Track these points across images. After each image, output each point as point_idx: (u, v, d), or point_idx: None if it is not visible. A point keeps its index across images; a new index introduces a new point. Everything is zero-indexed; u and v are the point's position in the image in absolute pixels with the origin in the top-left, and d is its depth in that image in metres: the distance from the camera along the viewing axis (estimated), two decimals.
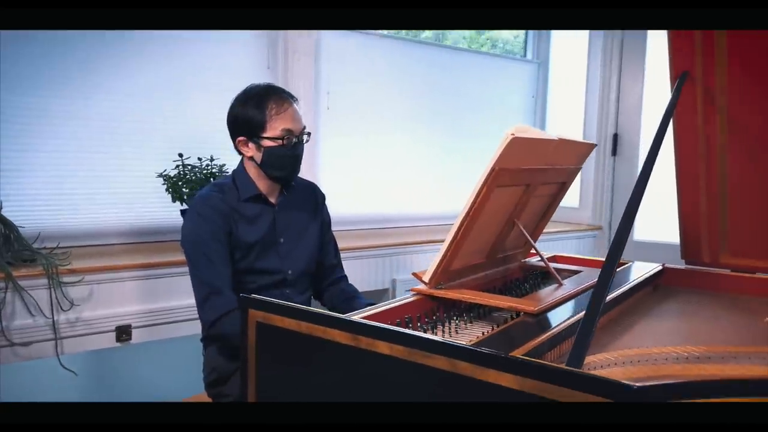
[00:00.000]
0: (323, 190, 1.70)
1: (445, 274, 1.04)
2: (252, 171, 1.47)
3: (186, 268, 1.96)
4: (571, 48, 3.44)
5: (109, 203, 2.18)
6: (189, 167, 2.16)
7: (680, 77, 1.10)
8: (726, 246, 1.27)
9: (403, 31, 3.63)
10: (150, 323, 1.95)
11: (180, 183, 2.14)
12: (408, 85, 2.98)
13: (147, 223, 2.28)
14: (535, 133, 1.01)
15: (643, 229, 2.90)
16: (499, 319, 1.04)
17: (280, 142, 1.40)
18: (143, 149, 2.24)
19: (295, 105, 1.45)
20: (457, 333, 1.00)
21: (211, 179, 2.16)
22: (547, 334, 0.91)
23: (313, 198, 1.61)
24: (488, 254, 1.17)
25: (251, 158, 1.44)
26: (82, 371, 1.88)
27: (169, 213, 2.26)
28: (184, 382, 2.03)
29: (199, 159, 2.19)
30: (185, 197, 2.14)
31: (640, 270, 1.37)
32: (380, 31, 2.97)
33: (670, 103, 1.07)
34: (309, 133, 1.50)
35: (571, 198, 3.42)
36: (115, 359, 2.26)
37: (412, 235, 2.75)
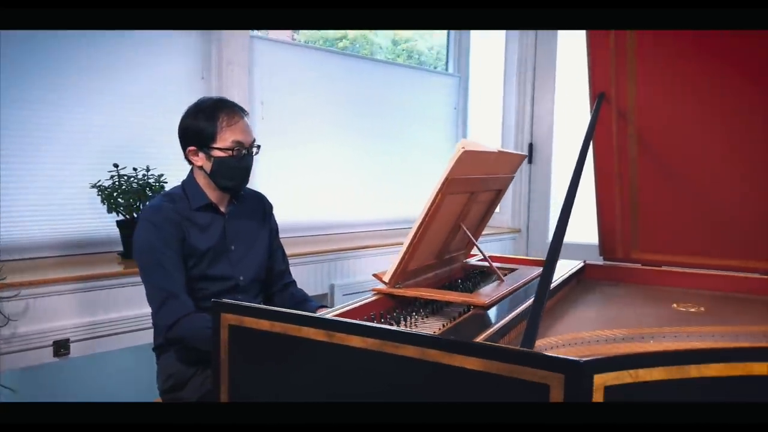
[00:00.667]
0: None
1: (403, 274, 1.14)
2: (202, 180, 1.50)
3: (125, 279, 1.95)
4: (488, 63, 3.67)
5: (42, 216, 2.12)
6: (125, 177, 2.14)
7: (598, 97, 1.26)
8: (637, 244, 1.46)
9: (335, 45, 3.73)
10: (89, 336, 1.91)
11: (115, 194, 2.11)
12: (339, 97, 3.07)
13: (81, 235, 2.23)
14: (479, 146, 1.13)
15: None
16: (453, 314, 1.15)
17: (230, 153, 1.44)
18: (77, 160, 2.19)
19: (245, 118, 1.50)
20: (416, 327, 1.10)
21: (148, 189, 2.15)
22: (500, 323, 1.03)
23: (261, 207, 1.66)
24: (437, 255, 1.28)
25: (201, 168, 1.47)
26: (21, 388, 1.82)
27: (105, 224, 2.22)
28: (129, 392, 2.00)
29: (134, 169, 2.17)
30: (121, 208, 2.12)
31: (565, 267, 1.53)
32: (311, 44, 3.04)
33: (591, 120, 1.23)
34: (259, 146, 1.55)
35: None
36: (54, 374, 2.19)
37: (347, 241, 2.84)
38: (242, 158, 1.46)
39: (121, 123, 2.31)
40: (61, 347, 1.86)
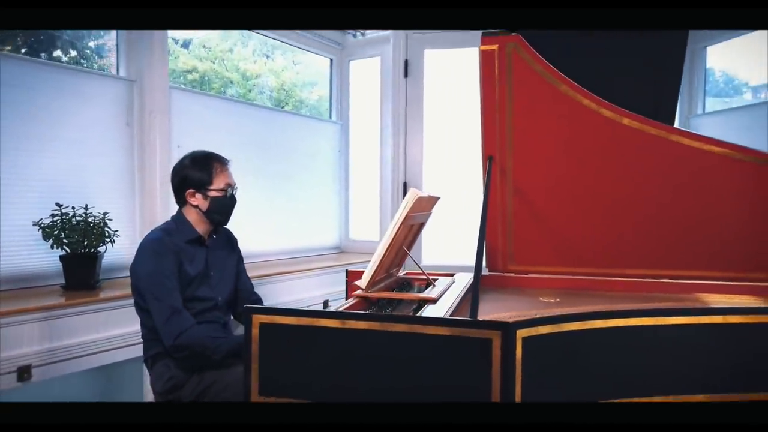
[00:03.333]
0: None
1: (373, 283, 1.60)
2: (193, 217, 1.84)
3: (73, 309, 2.14)
4: (365, 112, 4.25)
5: None
6: (66, 216, 2.32)
7: (489, 159, 1.86)
8: (512, 260, 2.07)
9: (242, 95, 4.08)
10: (49, 362, 2.08)
11: (56, 231, 2.29)
12: (245, 142, 3.44)
13: (26, 269, 2.36)
14: (421, 192, 1.65)
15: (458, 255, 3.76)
16: (409, 308, 1.63)
17: (223, 193, 1.81)
18: (14, 200, 2.33)
19: (229, 165, 1.88)
20: None
21: (91, 225, 2.35)
22: (449, 310, 1.54)
23: (229, 239, 2.02)
24: (386, 270, 1.76)
25: (196, 206, 1.81)
26: None
27: (48, 259, 2.38)
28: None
29: (73, 208, 2.36)
30: (65, 244, 2.30)
31: (465, 277, 2.11)
32: (222, 94, 3.37)
33: (486, 178, 1.81)
34: (237, 187, 1.93)
35: (372, 233, 4.21)
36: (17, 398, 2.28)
37: (255, 270, 3.18)
38: (231, 196, 1.84)
39: (60, 166, 2.48)
40: (24, 372, 2.01)
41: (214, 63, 6.17)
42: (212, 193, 1.82)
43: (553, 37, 1.89)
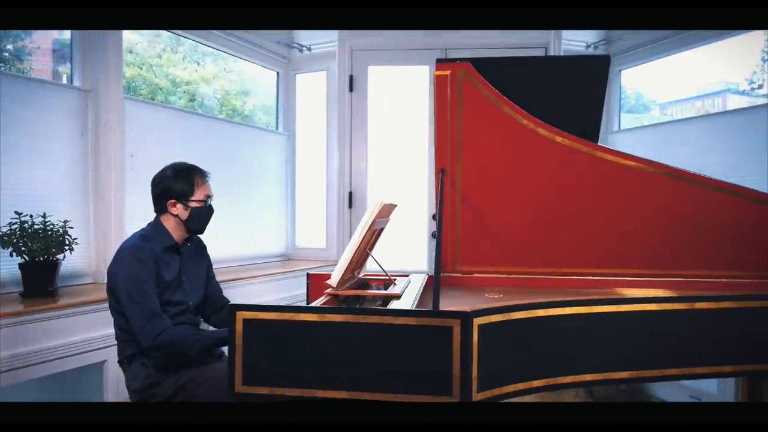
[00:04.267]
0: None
1: (343, 282, 1.77)
2: (170, 225, 1.94)
3: (35, 316, 2.19)
4: (312, 124, 4.41)
5: None
6: (26, 224, 2.35)
7: (441, 171, 2.08)
8: (459, 261, 2.29)
9: (196, 107, 4.12)
10: (8, 368, 2.11)
11: (15, 239, 2.31)
12: (196, 151, 3.50)
13: None
14: (383, 202, 1.83)
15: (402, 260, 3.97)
16: (375, 303, 1.81)
17: (203, 203, 1.93)
18: None
19: (208, 178, 1.99)
20: None
21: (50, 233, 2.38)
22: (413, 304, 1.73)
23: (200, 247, 2.12)
24: (352, 271, 1.93)
25: (177, 216, 1.91)
26: None
27: (6, 267, 2.38)
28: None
29: (30, 216, 2.39)
30: (24, 252, 2.32)
31: (418, 278, 2.31)
32: (175, 105, 3.43)
33: (440, 190, 2.03)
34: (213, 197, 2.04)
35: (319, 241, 4.36)
36: None
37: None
38: (210, 207, 1.95)
39: (15, 174, 2.49)
40: None
41: (141, 69, 6.11)
42: (193, 204, 1.94)
43: (499, 65, 2.13)
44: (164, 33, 5.69)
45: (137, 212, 3.03)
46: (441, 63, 1.98)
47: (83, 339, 2.43)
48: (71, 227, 2.46)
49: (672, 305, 1.80)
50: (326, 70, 4.30)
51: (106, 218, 2.86)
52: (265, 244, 4.19)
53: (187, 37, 3.71)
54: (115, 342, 2.48)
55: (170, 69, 6.62)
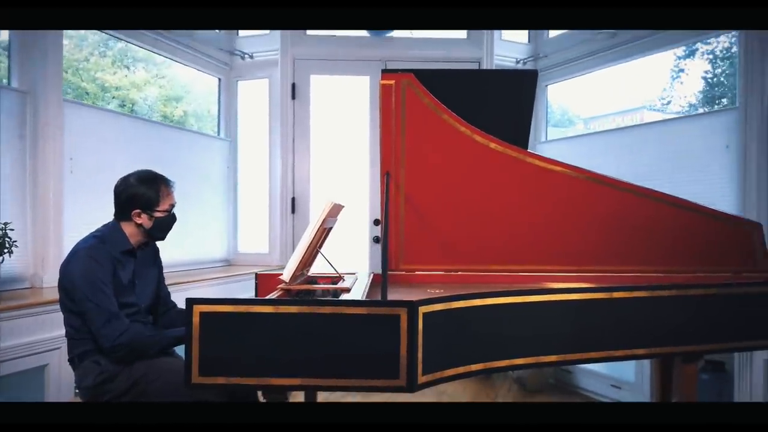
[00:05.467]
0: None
1: (295, 277, 1.86)
2: (129, 231, 1.97)
3: None
4: (254, 130, 4.46)
5: None
6: None
7: (386, 175, 2.21)
8: (403, 259, 2.43)
9: (135, 110, 4.08)
10: None
11: None
12: (137, 155, 3.49)
13: None
14: (333, 202, 1.94)
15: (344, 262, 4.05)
16: (326, 296, 1.91)
17: (167, 213, 1.97)
18: None
19: (173, 187, 2.03)
20: None
21: None
22: (363, 296, 1.85)
23: (153, 251, 2.16)
24: (303, 268, 2.02)
25: (140, 225, 1.94)
26: None
27: None
28: None
29: None
30: None
31: (365, 275, 2.43)
32: (115, 108, 3.40)
33: (386, 190, 2.16)
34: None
35: (262, 246, 4.40)
36: None
37: None
38: (173, 216, 2.00)
39: None
40: None
41: (66, 72, 5.95)
42: (158, 214, 1.97)
43: (438, 77, 2.30)
44: (91, 36, 5.56)
45: (76, 216, 3.00)
46: (386, 73, 2.12)
47: (23, 343, 2.40)
48: (12, 229, 2.42)
49: (593, 295, 2.01)
50: (269, 77, 4.37)
51: (44, 222, 2.82)
52: (206, 249, 4.19)
53: (127, 41, 3.69)
54: (56, 346, 2.48)
55: (98, 73, 6.44)
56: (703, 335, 2.13)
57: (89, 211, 3.07)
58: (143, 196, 1.97)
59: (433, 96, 2.14)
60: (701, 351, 2.17)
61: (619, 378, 3.67)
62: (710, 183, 3.33)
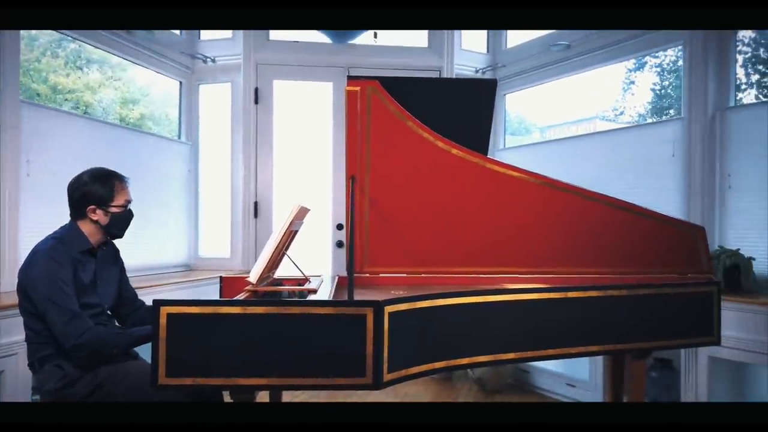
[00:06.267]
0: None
1: (261, 279, 1.89)
2: (87, 230, 1.95)
3: None
4: (216, 134, 4.43)
5: None
6: None
7: (351, 179, 2.26)
8: (367, 262, 2.48)
9: (89, 113, 4.00)
10: None
11: None
12: (97, 159, 3.42)
13: None
14: (300, 205, 1.98)
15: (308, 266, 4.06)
16: (292, 297, 1.94)
17: (123, 209, 1.96)
18: None
19: (127, 183, 2.02)
20: None
21: None
22: (329, 296, 1.88)
23: (114, 251, 2.14)
24: (269, 270, 2.05)
25: (96, 221, 1.93)
26: None
27: None
28: None
29: None
30: None
31: (328, 277, 2.46)
32: (75, 111, 3.34)
33: (351, 194, 2.20)
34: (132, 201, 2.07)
35: (223, 251, 4.37)
36: None
37: None
38: (129, 211, 1.99)
39: None
40: None
41: None
42: (113, 210, 1.96)
43: (402, 84, 2.37)
44: (43, 36, 5.42)
45: (33, 219, 2.94)
46: (352, 80, 2.18)
47: None
48: None
49: (549, 295, 2.10)
50: (231, 81, 4.36)
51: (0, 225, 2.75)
52: (166, 253, 4.14)
53: (82, 41, 3.63)
54: (12, 353, 2.42)
55: (50, 74, 6.26)
56: (651, 333, 2.25)
57: (45, 214, 3.00)
58: (96, 192, 1.96)
59: (397, 102, 2.21)
60: (650, 347, 2.29)
61: (573, 377, 3.81)
62: (658, 189, 3.51)
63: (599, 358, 3.44)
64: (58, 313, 1.80)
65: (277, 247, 1.90)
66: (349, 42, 4.38)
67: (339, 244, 4.30)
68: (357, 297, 2.02)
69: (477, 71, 4.57)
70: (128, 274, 2.14)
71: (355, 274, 2.47)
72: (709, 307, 2.33)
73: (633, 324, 2.21)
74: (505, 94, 4.66)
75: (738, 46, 3.36)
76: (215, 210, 4.41)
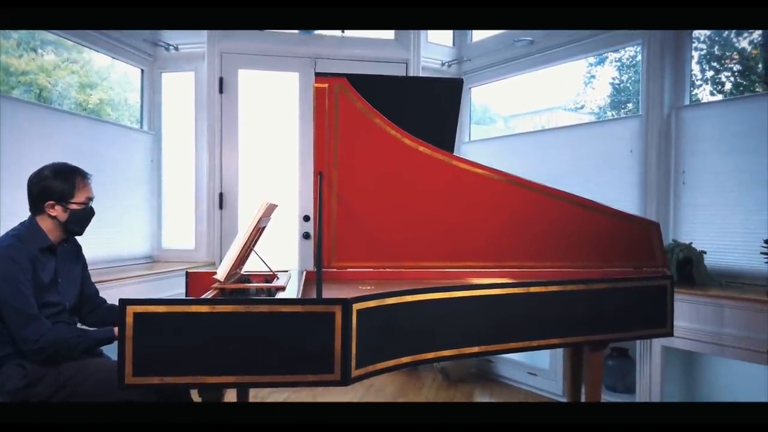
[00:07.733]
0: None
1: (229, 276, 1.88)
2: (47, 226, 1.91)
3: None
4: (179, 123, 4.36)
5: None
6: None
7: (319, 175, 2.26)
8: (335, 257, 2.49)
9: (44, 97, 3.89)
10: None
11: None
12: (65, 152, 3.32)
13: None
14: (268, 201, 1.98)
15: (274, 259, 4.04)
16: (260, 295, 1.95)
17: (83, 206, 1.92)
18: None
19: (90, 179, 1.98)
20: None
21: None
22: (298, 294, 1.90)
23: (76, 248, 2.10)
24: (237, 265, 2.04)
25: (55, 217, 1.89)
26: None
27: None
28: None
29: None
30: None
31: (296, 272, 2.47)
32: (21, 95, 3.23)
33: (319, 190, 2.21)
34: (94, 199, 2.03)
35: (188, 242, 4.32)
36: None
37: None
38: (90, 209, 1.95)
39: None
40: None
41: None
42: (73, 206, 1.92)
43: (370, 82, 2.38)
44: None
45: (11, 214, 2.84)
46: (320, 77, 2.18)
47: None
48: None
49: (511, 290, 2.16)
50: (195, 70, 4.28)
51: None
52: (128, 245, 4.07)
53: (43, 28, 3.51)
54: None
55: (2, 56, 6.04)
56: (608, 325, 2.34)
57: (23, 210, 2.92)
58: (57, 187, 1.92)
59: (364, 100, 2.22)
60: (607, 339, 2.39)
61: (535, 366, 3.92)
62: (616, 185, 3.63)
63: (559, 349, 3.56)
64: (16, 317, 1.76)
65: (245, 245, 1.90)
66: (316, 32, 4.35)
67: (306, 236, 4.30)
68: (325, 292, 2.04)
69: (443, 64, 4.60)
70: (90, 267, 2.10)
71: (323, 269, 2.49)
72: (662, 300, 2.43)
73: (591, 317, 2.29)
74: (470, 87, 4.72)
75: (694, 43, 3.48)
76: (179, 201, 4.35)
